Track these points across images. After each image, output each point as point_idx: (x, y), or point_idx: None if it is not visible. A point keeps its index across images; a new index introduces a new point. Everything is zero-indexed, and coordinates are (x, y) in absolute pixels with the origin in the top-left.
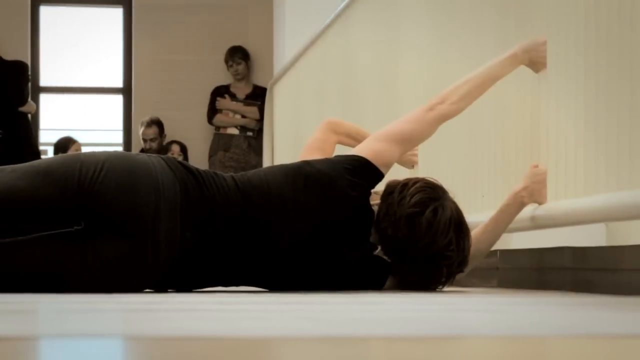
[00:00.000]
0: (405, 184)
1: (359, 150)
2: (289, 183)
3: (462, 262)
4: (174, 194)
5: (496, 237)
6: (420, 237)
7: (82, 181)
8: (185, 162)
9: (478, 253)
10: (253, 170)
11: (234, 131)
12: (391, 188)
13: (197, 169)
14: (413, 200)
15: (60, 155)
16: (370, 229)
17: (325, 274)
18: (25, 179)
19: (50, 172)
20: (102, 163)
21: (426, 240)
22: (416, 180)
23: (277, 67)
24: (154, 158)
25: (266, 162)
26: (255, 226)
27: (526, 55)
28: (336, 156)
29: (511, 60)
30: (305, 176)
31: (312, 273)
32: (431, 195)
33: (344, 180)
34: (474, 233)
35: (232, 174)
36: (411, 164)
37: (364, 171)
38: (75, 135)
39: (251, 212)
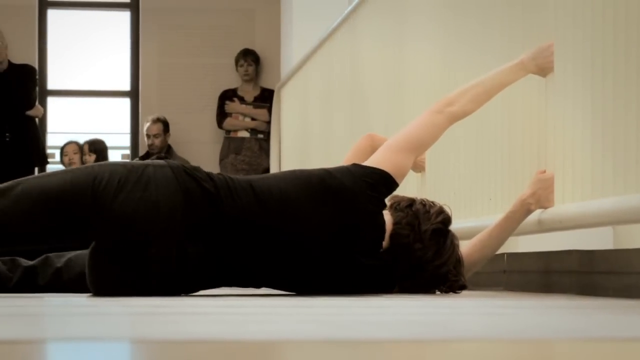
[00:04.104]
0: (421, 201)
1: (380, 161)
2: (309, 194)
3: (462, 287)
4: (170, 212)
5: (501, 243)
6: (440, 255)
7: (98, 197)
8: (197, 171)
9: (482, 258)
10: (272, 177)
11: (245, 134)
12: (409, 201)
13: (210, 178)
14: (440, 218)
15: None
16: (382, 239)
17: (339, 282)
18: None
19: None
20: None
21: (442, 260)
22: (425, 200)
23: (285, 70)
24: (159, 171)
25: (273, 165)
26: (271, 235)
27: (533, 63)
28: (358, 167)
29: (518, 67)
30: (326, 188)
31: (326, 280)
32: (450, 219)
33: (365, 195)
34: (478, 238)
35: (251, 179)
36: (420, 169)
37: (384, 185)
38: (81, 139)
39: (267, 222)
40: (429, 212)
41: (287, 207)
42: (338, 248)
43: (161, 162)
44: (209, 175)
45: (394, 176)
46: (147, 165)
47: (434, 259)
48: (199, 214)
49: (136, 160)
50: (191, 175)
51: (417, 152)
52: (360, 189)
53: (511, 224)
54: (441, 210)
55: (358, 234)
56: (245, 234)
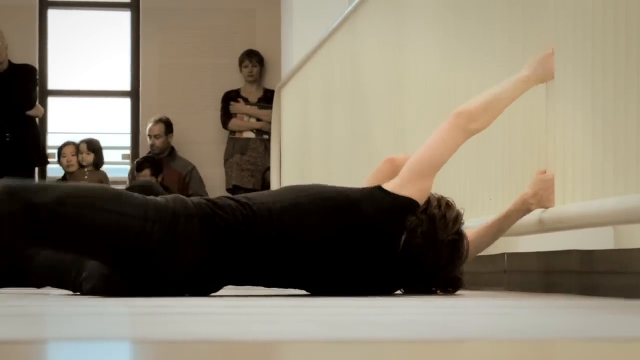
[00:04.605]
0: (437, 202)
1: (406, 187)
2: (329, 225)
3: (461, 285)
4: (193, 272)
5: (496, 238)
6: (452, 263)
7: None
8: (222, 210)
9: (475, 253)
10: (299, 207)
11: (250, 135)
12: (424, 203)
13: (233, 214)
14: (457, 227)
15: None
16: (396, 253)
17: (344, 286)
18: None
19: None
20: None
21: (453, 267)
22: (441, 200)
23: (285, 71)
24: (189, 228)
25: (274, 165)
26: (287, 255)
27: (534, 76)
28: (384, 193)
29: (524, 84)
30: (347, 219)
31: (333, 283)
32: (463, 223)
33: (388, 227)
34: (476, 230)
35: (271, 207)
36: None
37: (409, 211)
38: (78, 139)
39: (286, 249)
40: (445, 217)
41: (307, 236)
42: (356, 272)
43: (191, 209)
44: (232, 209)
45: (418, 201)
46: (178, 218)
47: (445, 265)
48: (222, 262)
49: (167, 203)
50: (216, 221)
51: (438, 170)
52: (385, 225)
53: (509, 222)
54: (457, 216)
55: (376, 262)
56: (264, 253)
